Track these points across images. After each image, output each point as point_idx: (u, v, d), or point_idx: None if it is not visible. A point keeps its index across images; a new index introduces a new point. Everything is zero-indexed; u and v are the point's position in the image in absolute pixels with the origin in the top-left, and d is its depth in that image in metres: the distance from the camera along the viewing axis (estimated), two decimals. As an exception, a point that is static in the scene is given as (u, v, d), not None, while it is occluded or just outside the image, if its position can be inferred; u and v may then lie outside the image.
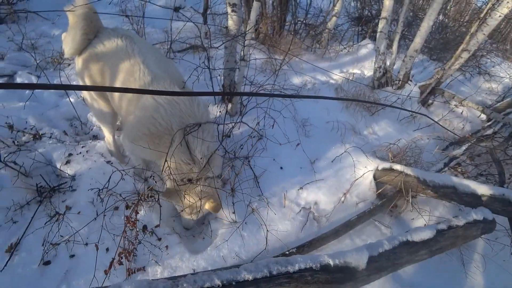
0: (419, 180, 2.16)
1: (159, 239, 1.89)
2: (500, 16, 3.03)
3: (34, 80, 3.11)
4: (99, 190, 1.97)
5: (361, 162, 2.48)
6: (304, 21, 4.85)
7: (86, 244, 1.78)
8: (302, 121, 2.90)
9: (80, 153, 2.34)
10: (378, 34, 3.67)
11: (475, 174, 2.77)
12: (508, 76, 5.51)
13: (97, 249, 1.59)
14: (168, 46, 3.66)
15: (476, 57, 5.34)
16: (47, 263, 1.72)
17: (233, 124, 2.59)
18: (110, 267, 1.51)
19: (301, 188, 2.33)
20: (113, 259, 1.54)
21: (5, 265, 1.65)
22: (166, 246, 1.85)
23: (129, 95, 1.84)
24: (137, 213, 1.65)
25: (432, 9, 3.32)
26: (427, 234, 1.63)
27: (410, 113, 3.37)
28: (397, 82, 3.79)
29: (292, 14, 4.59)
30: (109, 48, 1.87)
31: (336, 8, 4.60)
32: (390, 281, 1.88)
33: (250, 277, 1.12)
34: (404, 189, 2.24)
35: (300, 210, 2.19)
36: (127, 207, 1.66)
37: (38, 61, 3.16)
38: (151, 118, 1.72)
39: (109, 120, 2.20)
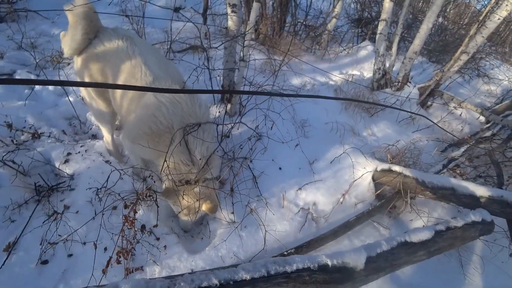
0: (417, 181, 2.16)
1: (158, 239, 1.89)
2: (499, 19, 3.05)
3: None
4: (98, 189, 1.97)
5: (360, 163, 2.48)
6: (304, 22, 4.86)
7: (84, 243, 1.77)
8: (301, 122, 2.90)
9: (79, 152, 2.34)
10: (377, 36, 3.69)
11: (473, 176, 2.77)
12: (507, 79, 5.54)
13: (96, 248, 1.60)
14: (168, 46, 3.66)
15: (475, 60, 5.36)
16: (45, 262, 1.72)
17: (232, 124, 2.59)
18: (107, 265, 1.51)
19: (300, 188, 2.33)
20: (110, 257, 1.54)
21: (3, 264, 1.64)
22: (165, 246, 1.85)
23: (131, 94, 1.85)
24: (135, 212, 1.65)
25: (431, 11, 3.34)
26: (425, 235, 1.63)
27: (409, 114, 3.38)
28: (396, 83, 3.80)
29: (292, 15, 4.60)
30: (110, 49, 1.88)
31: (336, 9, 4.61)
32: (388, 282, 1.88)
33: (248, 276, 1.12)
34: (403, 190, 2.24)
35: (299, 211, 2.19)
36: (126, 206, 1.66)
37: (37, 60, 3.17)
38: (152, 117, 1.72)
39: (108, 120, 2.20)
